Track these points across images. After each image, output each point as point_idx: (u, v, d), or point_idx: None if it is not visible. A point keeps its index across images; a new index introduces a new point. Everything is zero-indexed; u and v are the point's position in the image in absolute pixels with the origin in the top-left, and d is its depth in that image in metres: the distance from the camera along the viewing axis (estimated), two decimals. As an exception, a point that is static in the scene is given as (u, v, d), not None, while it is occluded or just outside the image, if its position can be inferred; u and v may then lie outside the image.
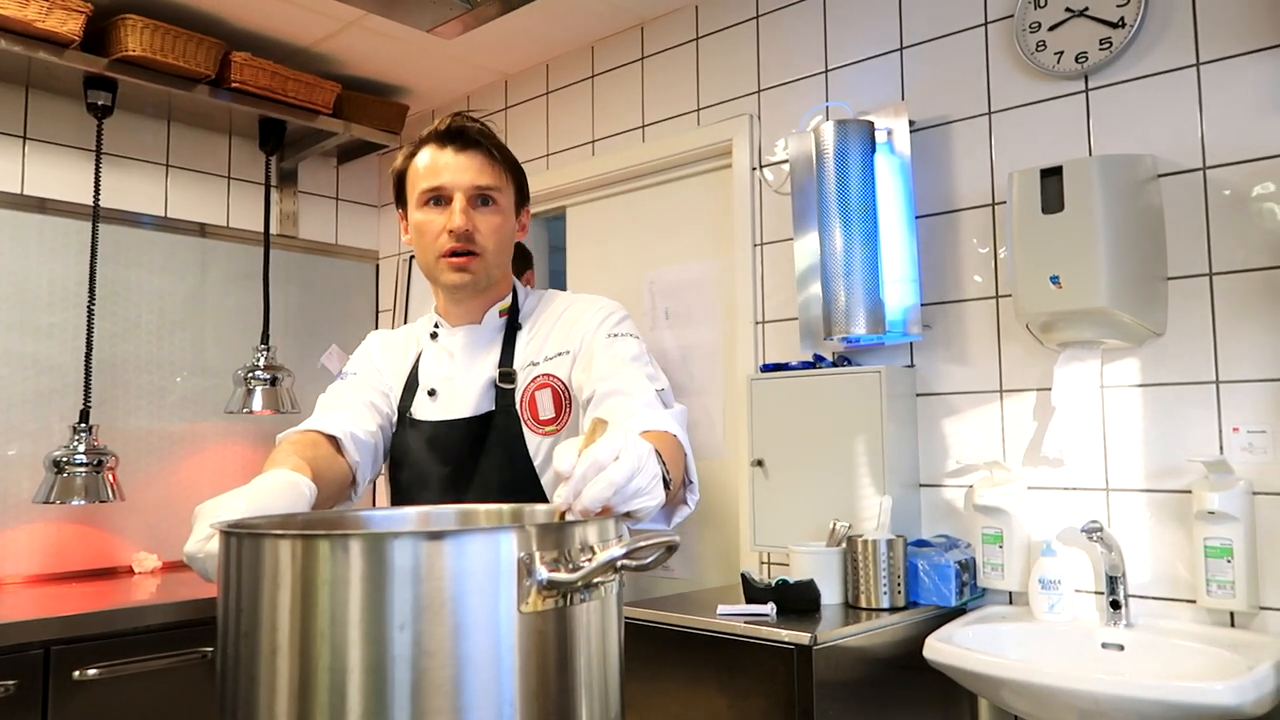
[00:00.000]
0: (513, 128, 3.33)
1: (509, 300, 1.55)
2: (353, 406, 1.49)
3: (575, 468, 0.91)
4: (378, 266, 3.77)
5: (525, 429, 1.45)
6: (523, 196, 1.54)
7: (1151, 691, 1.55)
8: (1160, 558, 1.95)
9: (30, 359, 2.85)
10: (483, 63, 3.24)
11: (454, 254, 1.44)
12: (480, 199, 1.45)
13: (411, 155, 1.49)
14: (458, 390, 1.49)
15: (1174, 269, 1.97)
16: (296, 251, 3.51)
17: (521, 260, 2.28)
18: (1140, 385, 2.00)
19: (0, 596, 2.58)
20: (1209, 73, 1.95)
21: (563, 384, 1.46)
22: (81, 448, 2.71)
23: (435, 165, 1.45)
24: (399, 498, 1.54)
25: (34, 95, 2.93)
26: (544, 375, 1.47)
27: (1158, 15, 2.02)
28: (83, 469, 2.69)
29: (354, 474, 1.44)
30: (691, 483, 1.29)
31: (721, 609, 1.93)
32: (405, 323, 2.44)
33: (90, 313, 2.84)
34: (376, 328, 3.66)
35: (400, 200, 1.52)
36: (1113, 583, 1.91)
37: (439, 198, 1.44)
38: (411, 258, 3.55)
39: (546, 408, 1.46)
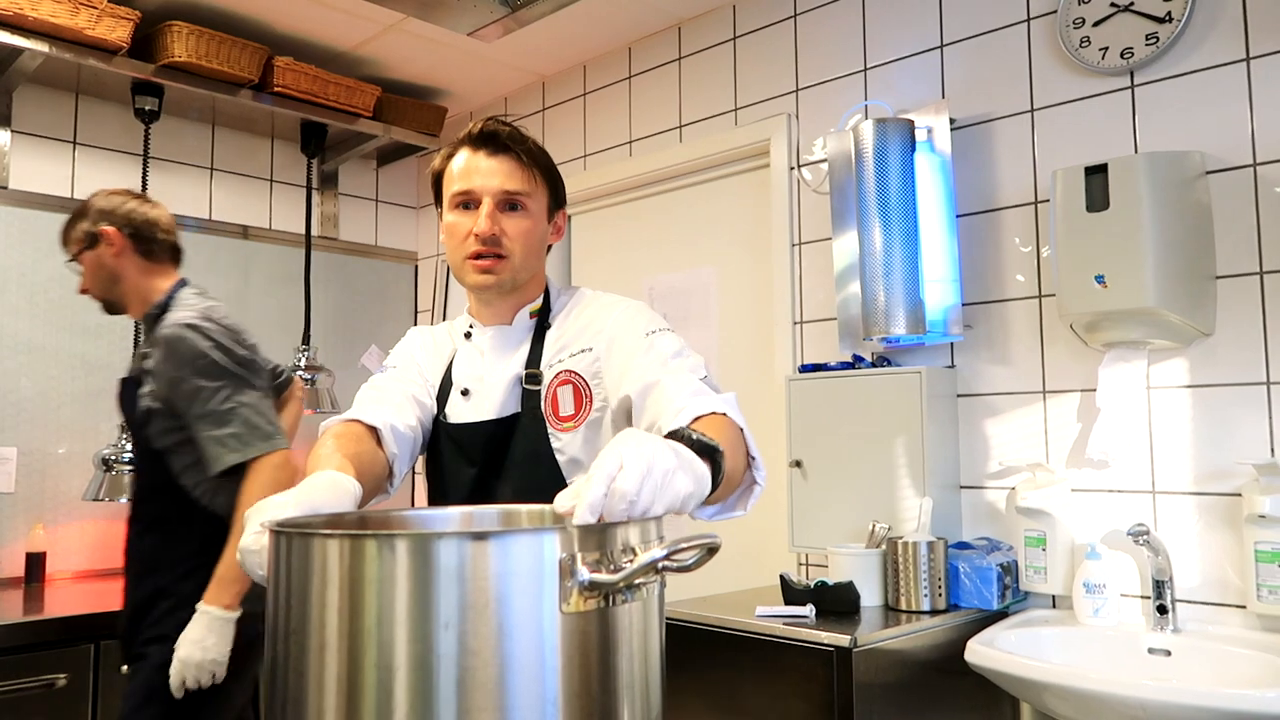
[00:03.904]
0: (550, 129, 3.34)
1: (539, 302, 1.56)
2: (393, 400, 1.51)
3: (585, 487, 0.86)
4: (416, 267, 3.81)
5: (549, 428, 1.46)
6: (557, 200, 1.55)
7: (1200, 698, 1.52)
8: (1209, 562, 1.92)
9: (79, 359, 2.92)
10: (520, 64, 3.26)
11: (479, 256, 1.46)
12: (509, 203, 1.47)
13: (448, 157, 1.52)
14: (487, 390, 1.51)
15: (1223, 268, 1.93)
16: (337, 253, 3.55)
17: None
18: (1188, 386, 1.97)
19: (51, 592, 2.64)
20: (1259, 67, 1.91)
21: (583, 380, 1.47)
22: (129, 446, 2.76)
23: (467, 169, 1.47)
24: (434, 497, 1.56)
25: (83, 101, 3.00)
26: (566, 372, 1.48)
27: (1206, 9, 1.98)
28: (130, 467, 2.73)
29: (391, 466, 1.46)
30: (754, 458, 1.25)
31: (760, 610, 1.92)
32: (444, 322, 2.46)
33: (138, 314, 2.89)
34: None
35: (439, 200, 1.54)
36: (1159, 587, 1.88)
37: (468, 201, 1.47)
38: (450, 259, 3.57)
39: (567, 404, 1.47)
